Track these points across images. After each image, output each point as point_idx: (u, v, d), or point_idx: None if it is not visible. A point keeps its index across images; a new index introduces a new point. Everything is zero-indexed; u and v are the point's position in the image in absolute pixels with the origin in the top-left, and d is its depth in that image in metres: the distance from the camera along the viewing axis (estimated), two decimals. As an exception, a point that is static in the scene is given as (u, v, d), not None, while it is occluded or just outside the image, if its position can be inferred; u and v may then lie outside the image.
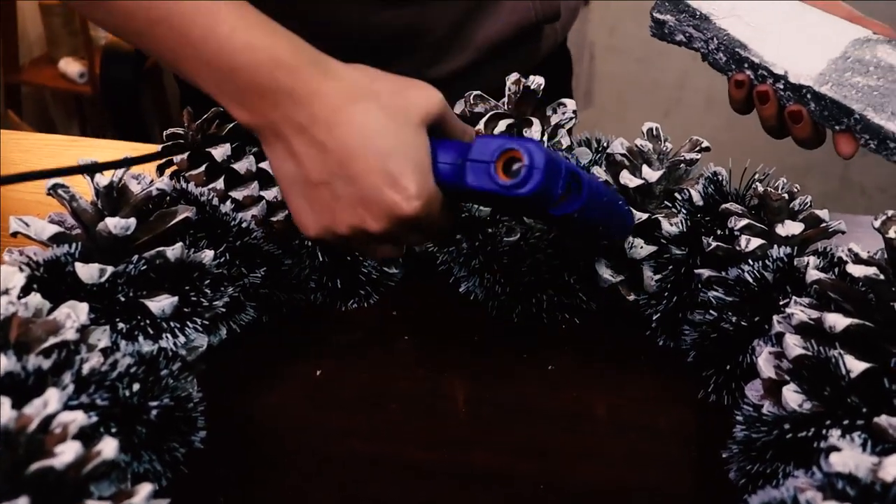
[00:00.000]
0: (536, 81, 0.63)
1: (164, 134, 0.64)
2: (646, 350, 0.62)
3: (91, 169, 0.51)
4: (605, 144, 0.68)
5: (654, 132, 0.64)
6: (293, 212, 0.51)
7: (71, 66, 2.22)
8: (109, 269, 0.50)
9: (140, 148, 0.86)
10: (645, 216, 0.61)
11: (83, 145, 0.90)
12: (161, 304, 0.51)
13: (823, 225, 0.58)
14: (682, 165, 0.63)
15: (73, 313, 0.46)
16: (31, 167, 0.82)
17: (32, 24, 2.35)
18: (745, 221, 0.57)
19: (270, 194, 0.63)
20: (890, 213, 0.51)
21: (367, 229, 0.48)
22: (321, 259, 0.64)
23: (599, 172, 0.64)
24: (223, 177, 0.62)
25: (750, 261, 0.56)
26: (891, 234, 0.50)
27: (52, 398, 0.39)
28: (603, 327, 0.64)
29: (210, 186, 0.62)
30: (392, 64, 0.52)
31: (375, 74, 0.50)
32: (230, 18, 0.47)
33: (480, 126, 0.62)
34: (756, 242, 0.56)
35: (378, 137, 0.47)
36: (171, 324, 0.51)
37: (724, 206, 0.60)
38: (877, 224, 0.50)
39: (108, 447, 0.39)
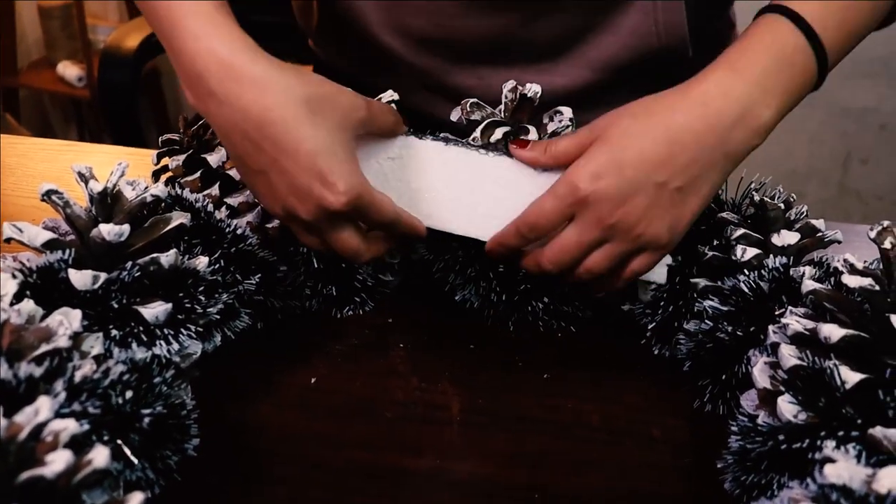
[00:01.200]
0: (533, 89, 0.63)
1: (160, 140, 0.64)
2: (641, 359, 0.62)
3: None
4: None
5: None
6: (251, 192, 0.59)
7: (69, 70, 2.21)
8: (103, 276, 0.50)
9: (136, 153, 0.86)
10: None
11: (79, 150, 0.90)
12: (155, 310, 0.50)
13: (819, 235, 0.58)
14: (678, 174, 0.63)
15: (66, 320, 0.46)
16: (27, 171, 0.83)
17: (31, 27, 2.35)
18: (741, 231, 0.57)
19: (266, 201, 0.63)
20: (886, 223, 0.51)
21: (299, 216, 0.54)
22: (316, 266, 0.63)
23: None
24: (218, 183, 0.62)
25: (746, 270, 0.56)
26: (886, 244, 0.49)
27: (43, 406, 0.39)
28: (598, 336, 0.64)
29: (205, 192, 0.62)
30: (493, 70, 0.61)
31: (309, 80, 0.54)
32: (197, 27, 0.53)
33: (477, 133, 0.62)
34: (752, 252, 0.56)
35: (308, 137, 0.52)
36: (165, 331, 0.51)
37: (720, 215, 0.60)
38: (872, 234, 0.50)
39: (100, 456, 0.39)
